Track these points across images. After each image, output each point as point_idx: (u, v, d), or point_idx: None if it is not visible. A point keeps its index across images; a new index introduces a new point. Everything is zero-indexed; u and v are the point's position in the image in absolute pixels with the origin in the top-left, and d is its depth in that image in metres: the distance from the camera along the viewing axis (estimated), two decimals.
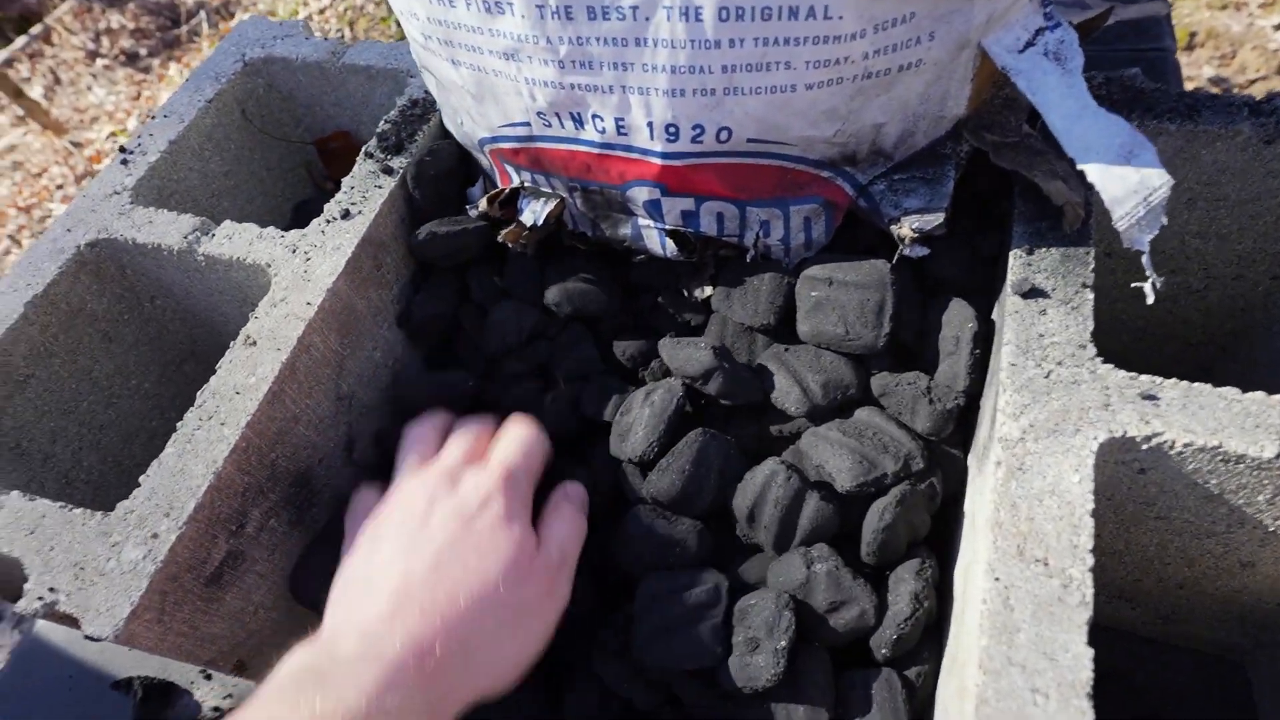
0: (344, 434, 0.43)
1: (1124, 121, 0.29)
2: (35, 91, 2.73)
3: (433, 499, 0.34)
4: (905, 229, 0.34)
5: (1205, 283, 0.43)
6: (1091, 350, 0.30)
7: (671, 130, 0.33)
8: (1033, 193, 0.35)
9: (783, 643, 0.33)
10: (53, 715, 0.50)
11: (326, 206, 0.43)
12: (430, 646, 0.29)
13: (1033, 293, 0.32)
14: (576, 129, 0.35)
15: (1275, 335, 0.43)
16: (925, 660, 0.35)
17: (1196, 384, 0.28)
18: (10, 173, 2.48)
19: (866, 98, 0.32)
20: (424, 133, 0.46)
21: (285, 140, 0.56)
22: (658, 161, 0.35)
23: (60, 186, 2.27)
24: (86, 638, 0.48)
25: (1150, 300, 0.29)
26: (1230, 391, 0.28)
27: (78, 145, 2.48)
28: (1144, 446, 0.28)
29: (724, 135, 0.33)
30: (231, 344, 0.38)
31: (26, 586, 0.32)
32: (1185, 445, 0.28)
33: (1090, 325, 0.31)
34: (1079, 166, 0.29)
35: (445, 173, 0.45)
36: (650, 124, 0.33)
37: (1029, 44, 0.31)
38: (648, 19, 0.29)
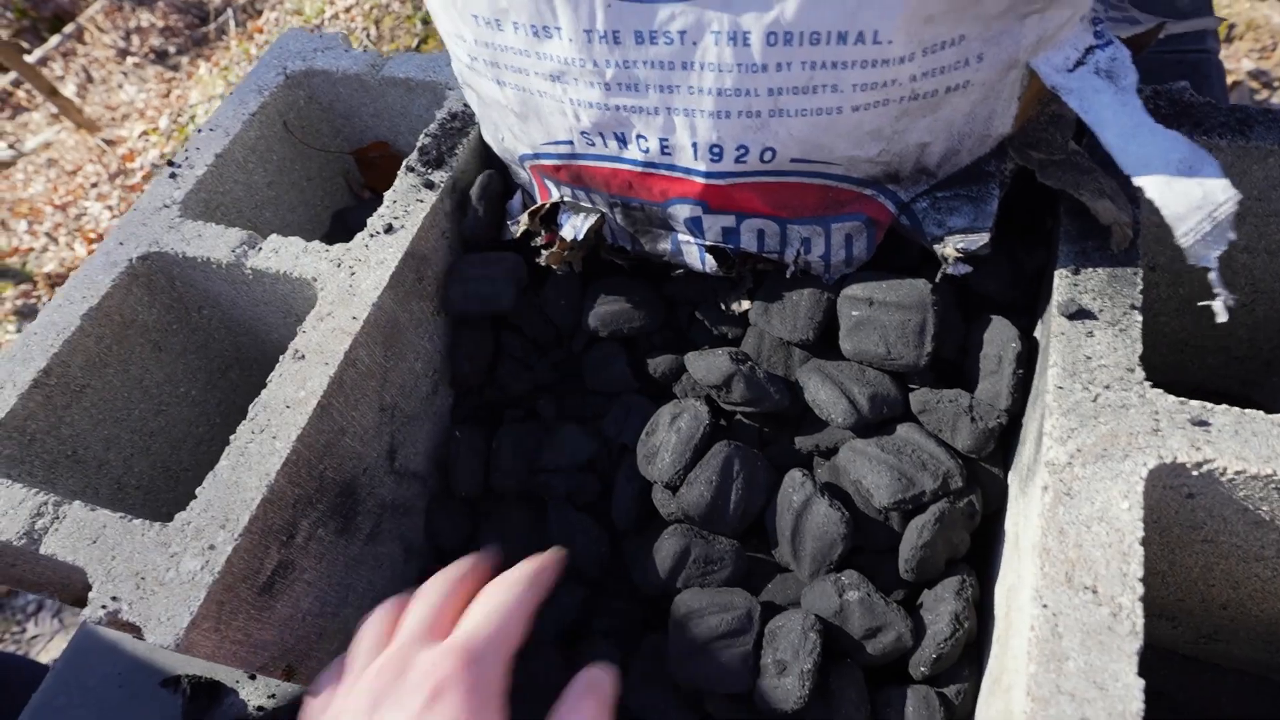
0: (387, 444, 0.44)
1: (1182, 136, 0.29)
2: (68, 89, 2.79)
3: (377, 698, 0.27)
4: (949, 248, 0.34)
5: (1252, 297, 0.43)
6: (1140, 374, 0.30)
7: (715, 150, 0.33)
8: (1079, 211, 0.34)
9: (809, 665, 0.34)
10: (105, 711, 0.51)
11: (370, 220, 0.43)
12: None
13: (1079, 314, 0.32)
14: (620, 148, 0.35)
15: None
16: (965, 679, 0.35)
17: (1249, 410, 0.28)
18: (45, 170, 2.53)
19: (912, 118, 0.31)
20: (463, 146, 0.46)
21: (325, 151, 0.57)
22: (700, 180, 0.35)
23: (95, 185, 2.31)
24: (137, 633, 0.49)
25: (1223, 318, 0.28)
26: None
27: (110, 143, 2.53)
28: (1194, 473, 0.28)
29: (768, 155, 0.33)
30: (280, 358, 0.39)
31: (90, 595, 0.33)
32: (1237, 473, 0.28)
33: (1139, 348, 0.31)
34: (1136, 183, 0.29)
35: (502, 190, 0.46)
36: (694, 144, 0.33)
37: (1079, 62, 0.31)
38: (695, 43, 0.29)
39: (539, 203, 0.43)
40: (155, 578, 0.33)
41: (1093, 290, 0.33)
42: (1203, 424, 0.28)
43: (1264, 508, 0.29)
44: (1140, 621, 0.25)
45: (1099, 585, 0.26)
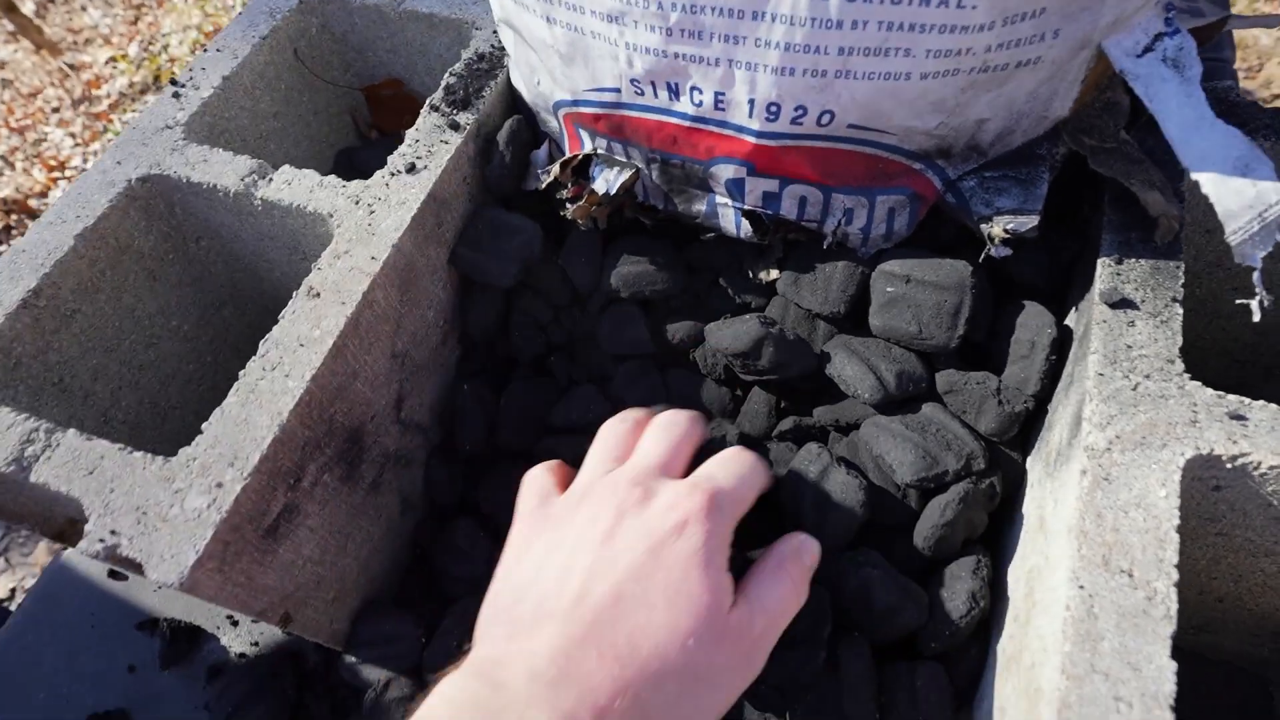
0: (395, 392, 0.42)
1: (1241, 134, 0.29)
2: (27, 8, 2.62)
3: (621, 511, 0.28)
4: (997, 228, 0.34)
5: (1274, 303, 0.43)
6: (1180, 365, 0.30)
7: (773, 109, 0.32)
8: (1124, 202, 0.34)
9: (820, 638, 0.34)
10: (75, 651, 0.49)
11: (390, 158, 0.41)
12: (609, 704, 0.24)
13: (1122, 303, 0.32)
14: (671, 100, 0.34)
15: None
16: (973, 657, 0.35)
17: None
18: (0, 90, 2.39)
19: (977, 92, 0.31)
20: (491, 89, 0.44)
21: (334, 84, 0.55)
22: (752, 140, 0.34)
23: (56, 110, 2.19)
24: (111, 574, 0.47)
25: (1257, 317, 0.29)
26: None
27: (74, 68, 2.40)
28: (1228, 465, 0.28)
29: (825, 119, 0.32)
30: (295, 293, 0.37)
31: (87, 528, 0.31)
32: (1271, 467, 0.28)
33: (1179, 340, 0.31)
34: (1194, 176, 0.29)
35: (530, 139, 0.44)
36: (752, 100, 0.32)
37: (1148, 49, 0.31)
38: None
39: (568, 154, 0.41)
40: (158, 513, 0.31)
41: (1135, 280, 0.33)
42: (1240, 418, 0.29)
43: None
44: (1175, 606, 0.26)
45: (1135, 569, 0.26)
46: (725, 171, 0.36)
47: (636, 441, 0.33)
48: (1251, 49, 1.81)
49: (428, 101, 0.44)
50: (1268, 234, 0.28)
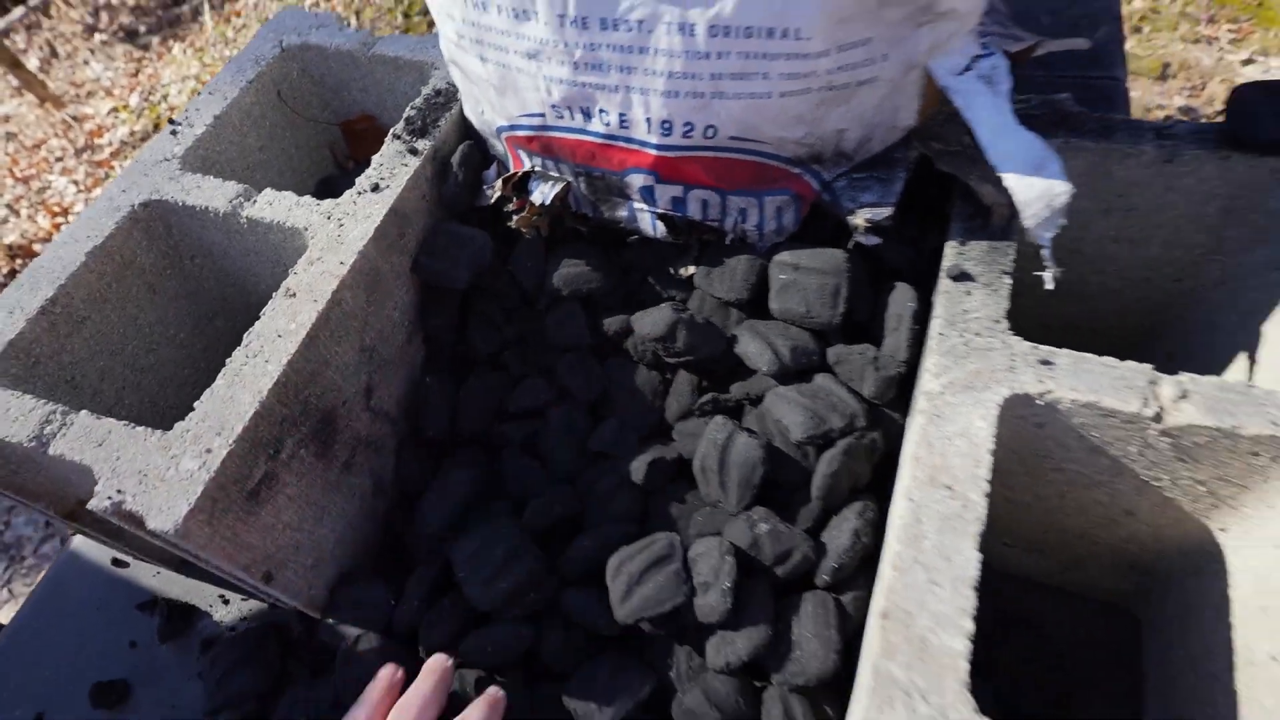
0: (364, 382, 0.48)
1: (1038, 138, 0.36)
2: (31, 64, 2.74)
3: None
4: (859, 219, 0.40)
5: (1120, 284, 0.50)
6: (1005, 324, 0.37)
7: (666, 126, 0.39)
8: (969, 195, 0.41)
9: (728, 584, 0.39)
10: (83, 634, 0.55)
11: (358, 180, 0.48)
12: None
13: (962, 276, 0.39)
14: (585, 121, 0.41)
15: (1176, 334, 0.49)
16: (860, 587, 0.41)
17: (1084, 353, 0.35)
18: (4, 143, 2.49)
19: (829, 107, 0.38)
20: (446, 119, 0.51)
21: (314, 121, 0.62)
22: (653, 152, 0.40)
23: (60, 159, 2.29)
24: (114, 562, 0.53)
25: (1049, 286, 0.35)
26: (1110, 360, 0.35)
27: (77, 119, 2.50)
28: (1039, 402, 0.35)
29: (710, 132, 0.39)
30: (274, 295, 0.43)
31: (97, 488, 0.37)
32: (1072, 401, 0.34)
33: (1006, 305, 0.37)
34: (999, 174, 0.36)
35: (480, 161, 0.51)
36: (648, 119, 0.39)
37: (967, 68, 0.37)
38: (650, 31, 0.35)
39: (512, 171, 0.48)
40: (157, 475, 0.37)
41: (975, 258, 0.39)
42: (1047, 363, 0.35)
43: (1094, 434, 0.35)
44: (984, 512, 0.31)
45: (955, 484, 0.32)
46: (637, 180, 0.43)
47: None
48: (1194, 69, 1.91)
49: (391, 131, 0.51)
50: (1054, 218, 0.35)
